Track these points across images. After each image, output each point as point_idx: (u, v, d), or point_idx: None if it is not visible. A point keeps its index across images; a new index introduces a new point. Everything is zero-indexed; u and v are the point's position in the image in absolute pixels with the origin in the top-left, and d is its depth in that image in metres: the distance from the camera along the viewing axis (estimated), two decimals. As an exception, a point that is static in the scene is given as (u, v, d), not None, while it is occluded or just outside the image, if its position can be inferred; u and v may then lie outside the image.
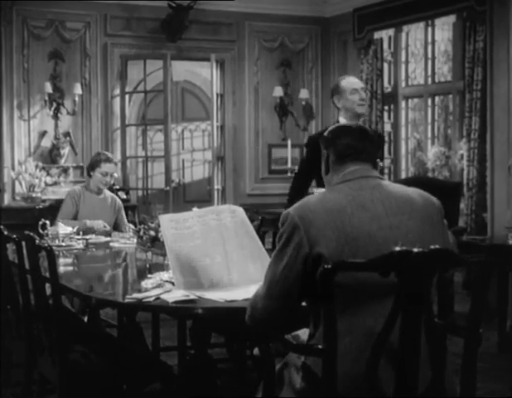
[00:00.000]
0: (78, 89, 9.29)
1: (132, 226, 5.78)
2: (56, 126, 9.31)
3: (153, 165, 11.47)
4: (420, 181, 8.56)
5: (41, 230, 5.63)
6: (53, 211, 7.33)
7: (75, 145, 9.43)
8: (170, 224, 3.46)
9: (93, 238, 5.84)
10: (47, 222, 5.67)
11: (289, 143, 9.53)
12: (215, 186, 10.03)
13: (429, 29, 9.60)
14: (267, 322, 2.78)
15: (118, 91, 9.71)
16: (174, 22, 9.76)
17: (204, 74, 12.03)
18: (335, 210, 2.70)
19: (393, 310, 2.46)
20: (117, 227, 6.64)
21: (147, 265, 4.47)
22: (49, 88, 9.13)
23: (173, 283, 3.43)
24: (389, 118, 10.00)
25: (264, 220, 6.01)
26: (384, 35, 9.66)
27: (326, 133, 3.02)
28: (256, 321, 2.81)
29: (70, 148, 9.39)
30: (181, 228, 3.46)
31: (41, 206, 8.73)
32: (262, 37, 10.39)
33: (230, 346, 4.73)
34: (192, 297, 3.16)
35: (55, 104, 9.23)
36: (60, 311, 3.58)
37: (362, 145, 2.93)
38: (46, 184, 9.04)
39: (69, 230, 5.55)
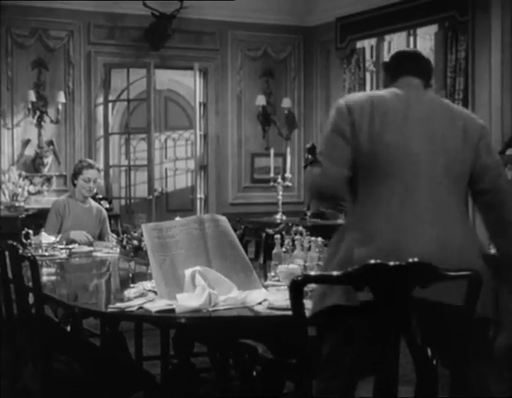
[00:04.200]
0: (61, 98, 9.28)
1: (114, 236, 5.79)
2: (40, 134, 9.31)
3: (136, 174, 11.46)
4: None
5: (24, 240, 5.63)
6: (36, 220, 7.34)
7: (59, 154, 9.42)
8: (153, 233, 3.48)
9: (76, 247, 5.85)
10: (30, 232, 5.67)
11: (272, 152, 9.56)
12: (198, 196, 10.03)
13: (411, 39, 9.65)
14: (332, 188, 3.09)
15: (101, 100, 9.71)
16: (157, 31, 9.78)
17: (187, 83, 12.02)
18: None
19: (369, 331, 2.37)
20: (101, 237, 6.65)
21: (130, 275, 4.48)
22: (32, 96, 9.13)
23: (156, 293, 3.45)
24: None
25: (247, 230, 6.04)
26: (367, 44, 9.72)
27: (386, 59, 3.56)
28: (324, 190, 3.12)
29: (54, 156, 9.38)
30: (164, 237, 3.48)
31: (24, 216, 8.70)
32: (245, 46, 10.42)
33: (213, 355, 4.75)
34: (175, 306, 3.17)
35: (38, 113, 9.23)
36: (42, 320, 3.59)
37: (413, 64, 3.31)
38: (30, 193, 9.02)
39: (52, 239, 5.56)
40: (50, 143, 9.37)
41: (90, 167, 6.65)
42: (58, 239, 5.60)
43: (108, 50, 9.74)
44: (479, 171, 3.17)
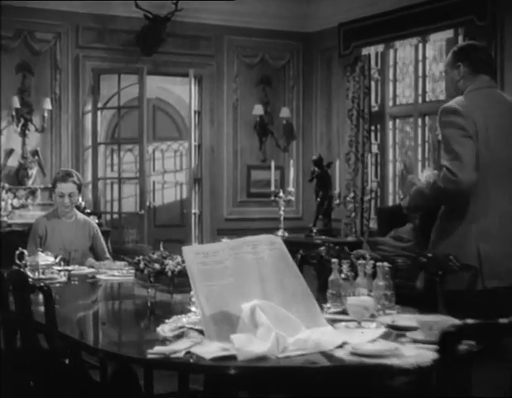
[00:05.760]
0: (47, 105, 8.63)
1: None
2: (24, 144, 8.63)
3: (122, 187, 10.79)
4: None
5: (17, 261, 4.97)
6: (21, 236, 6.64)
7: (44, 165, 8.75)
8: (196, 258, 2.85)
9: (75, 269, 5.20)
10: (25, 252, 4.99)
11: (272, 164, 8.96)
12: (193, 210, 9.38)
13: (420, 45, 9.12)
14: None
15: (89, 107, 9.06)
16: (150, 35, 9.16)
17: (177, 91, 11.40)
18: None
19: None
20: (96, 254, 5.99)
21: (149, 304, 3.85)
22: (16, 103, 8.45)
23: (200, 332, 2.82)
24: (376, 138, 9.49)
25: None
26: (373, 51, 9.16)
27: (458, 49, 4.24)
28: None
29: (39, 168, 8.70)
30: (210, 262, 2.86)
31: (7, 230, 7.98)
32: (241, 53, 9.83)
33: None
34: (235, 352, 2.54)
35: (22, 120, 8.55)
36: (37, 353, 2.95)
37: (490, 60, 4.25)
38: (13, 207, 8.32)
39: (50, 259, 4.89)
40: (35, 153, 8.69)
41: (63, 179, 5.92)
42: (58, 259, 4.93)
43: (97, 54, 9.10)
44: None
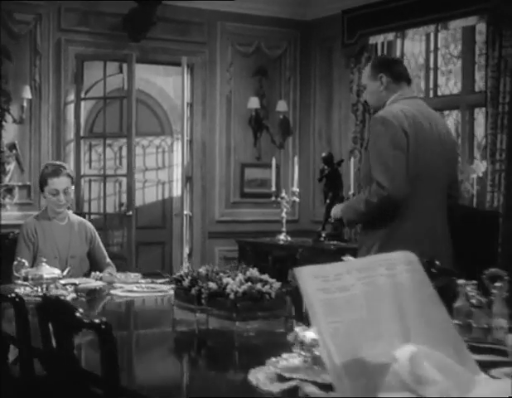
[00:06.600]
0: (27, 93, 7.76)
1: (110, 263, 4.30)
2: (0, 136, 7.73)
3: (100, 186, 9.92)
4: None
5: (16, 273, 4.14)
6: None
7: (22, 160, 7.87)
8: (315, 283, 2.07)
9: (81, 282, 4.38)
10: (25, 262, 4.15)
11: (273, 162, 8.18)
12: (185, 212, 8.56)
13: (431, 35, 8.42)
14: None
15: (72, 97, 8.20)
16: (138, 19, 8.32)
17: (159, 83, 10.59)
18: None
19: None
20: (96, 262, 5.18)
21: (235, 342, 3.03)
22: (-8, 91, 7.56)
23: (322, 387, 2.05)
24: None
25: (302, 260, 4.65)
26: (383, 40, 8.43)
27: (377, 61, 4.51)
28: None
29: (16, 163, 7.83)
30: (333, 289, 2.07)
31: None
32: (236, 40, 9.04)
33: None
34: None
35: (-1, 110, 7.68)
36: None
37: (407, 71, 4.40)
38: (-12, 206, 7.46)
39: (56, 272, 4.06)
40: (13, 146, 7.81)
41: (55, 174, 5.11)
42: (66, 272, 4.10)
43: (80, 38, 8.23)
44: None
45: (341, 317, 2.06)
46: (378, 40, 8.44)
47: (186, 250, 8.54)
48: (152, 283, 4.36)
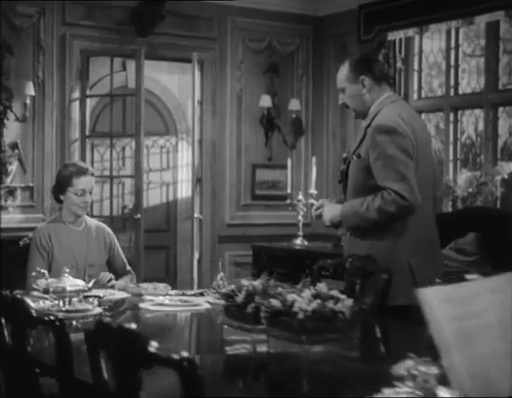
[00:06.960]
0: (30, 90, 7.35)
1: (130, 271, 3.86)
2: (2, 135, 7.30)
3: (103, 187, 9.53)
4: (473, 212, 6.99)
5: (34, 285, 3.73)
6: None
7: (25, 160, 7.46)
8: (445, 309, 1.67)
9: (106, 294, 3.97)
10: (45, 272, 3.73)
11: (289, 163, 7.79)
12: (195, 215, 8.14)
13: (452, 31, 8.05)
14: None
15: (77, 94, 7.78)
16: (146, 13, 7.92)
17: (163, 80, 10.17)
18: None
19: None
20: (115, 271, 4.78)
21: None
22: (-6, 87, 7.15)
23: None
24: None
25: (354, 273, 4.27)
26: (402, 36, 8.05)
27: (355, 62, 4.05)
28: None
29: (19, 163, 7.41)
30: (468, 317, 1.69)
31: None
32: (246, 36, 8.65)
33: None
34: None
35: (1, 108, 7.23)
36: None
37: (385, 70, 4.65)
38: (-11, 209, 7.03)
39: (80, 284, 3.65)
40: (15, 146, 7.39)
41: (83, 173, 4.75)
42: (91, 284, 3.69)
43: (86, 33, 7.82)
44: None
45: (475, 350, 1.68)
46: (397, 36, 8.07)
47: (196, 255, 8.12)
48: (183, 294, 3.95)
